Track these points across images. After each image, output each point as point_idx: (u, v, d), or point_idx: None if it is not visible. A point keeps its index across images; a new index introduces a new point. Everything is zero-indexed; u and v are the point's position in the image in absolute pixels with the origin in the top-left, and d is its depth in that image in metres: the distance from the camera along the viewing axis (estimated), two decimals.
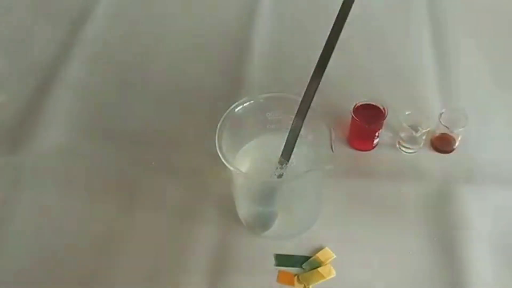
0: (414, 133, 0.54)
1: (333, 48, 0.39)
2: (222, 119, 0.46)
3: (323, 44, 0.40)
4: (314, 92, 0.42)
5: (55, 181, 0.56)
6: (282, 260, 0.49)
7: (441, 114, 0.55)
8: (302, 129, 0.45)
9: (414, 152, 0.57)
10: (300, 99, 0.43)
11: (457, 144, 0.56)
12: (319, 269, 0.48)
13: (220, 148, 0.43)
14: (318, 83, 0.41)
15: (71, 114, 0.63)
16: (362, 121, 0.54)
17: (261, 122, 0.49)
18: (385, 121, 0.55)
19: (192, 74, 0.67)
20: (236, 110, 0.47)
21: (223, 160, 0.42)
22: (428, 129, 0.54)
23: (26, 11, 0.77)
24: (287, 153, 0.45)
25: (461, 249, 0.49)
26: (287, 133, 0.45)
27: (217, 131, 0.44)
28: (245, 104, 0.47)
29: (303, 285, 0.47)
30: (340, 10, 0.38)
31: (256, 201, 0.49)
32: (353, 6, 0.38)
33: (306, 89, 0.42)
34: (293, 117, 0.44)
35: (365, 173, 0.55)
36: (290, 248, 0.50)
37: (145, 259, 0.50)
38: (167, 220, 0.52)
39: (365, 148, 0.57)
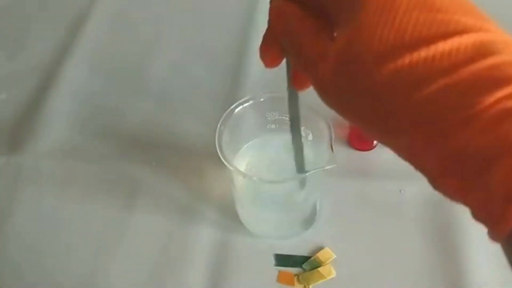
0: None
1: None
2: (222, 119, 0.46)
3: None
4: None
5: (55, 181, 0.56)
6: (282, 260, 0.49)
7: None
8: (302, 129, 0.44)
9: None
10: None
11: None
12: (319, 269, 0.48)
13: (220, 148, 0.43)
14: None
15: (71, 114, 0.63)
16: None
17: (261, 122, 0.49)
18: None
19: (192, 74, 0.67)
20: (236, 110, 0.47)
21: (223, 160, 0.42)
22: None
23: (26, 11, 0.77)
24: (300, 166, 0.43)
25: (461, 249, 0.49)
26: (287, 133, 0.45)
27: (217, 131, 0.44)
28: (245, 104, 0.47)
29: (303, 285, 0.47)
30: None
31: (256, 201, 0.49)
32: None
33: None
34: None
35: (365, 173, 0.55)
36: (290, 248, 0.50)
37: (145, 259, 0.50)
38: (167, 220, 0.52)
39: (365, 148, 0.57)
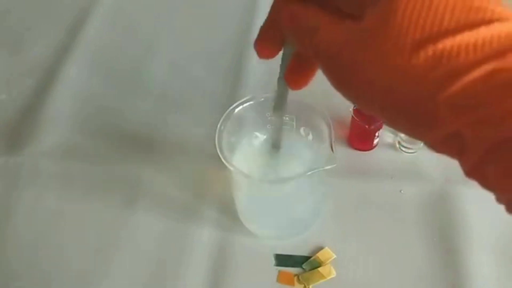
0: None
1: None
2: (222, 119, 0.46)
3: None
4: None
5: (55, 181, 0.56)
6: (282, 260, 0.49)
7: None
8: (302, 129, 0.44)
9: (414, 152, 0.57)
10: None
11: None
12: (319, 269, 0.48)
13: (220, 148, 0.43)
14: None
15: (71, 114, 0.63)
16: (362, 121, 0.54)
17: (261, 122, 0.49)
18: None
19: (192, 74, 0.67)
20: (236, 110, 0.47)
21: (223, 160, 0.42)
22: None
23: (25, 11, 0.77)
24: (276, 143, 0.43)
25: (461, 249, 0.49)
26: (288, 133, 0.45)
27: (217, 131, 0.44)
28: (245, 104, 0.47)
29: (303, 285, 0.47)
30: None
31: (256, 201, 0.49)
32: None
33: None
34: (293, 117, 0.44)
35: (365, 173, 0.55)
36: (290, 248, 0.50)
37: (145, 259, 0.50)
38: (167, 220, 0.52)
39: (365, 148, 0.57)
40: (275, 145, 0.43)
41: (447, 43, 0.20)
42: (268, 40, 0.28)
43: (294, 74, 0.30)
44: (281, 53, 0.30)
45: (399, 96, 0.21)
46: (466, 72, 0.19)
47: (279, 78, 0.33)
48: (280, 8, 0.26)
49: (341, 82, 0.23)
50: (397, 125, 0.23)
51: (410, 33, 0.20)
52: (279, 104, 0.36)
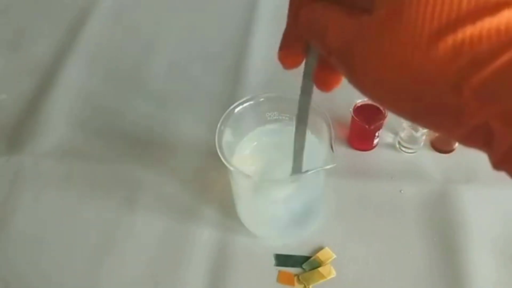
0: (414, 133, 0.54)
1: None
2: (222, 119, 0.46)
3: None
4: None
5: (55, 181, 0.56)
6: (282, 260, 0.49)
7: None
8: None
9: (414, 152, 0.57)
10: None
11: (457, 144, 0.56)
12: (319, 269, 0.48)
13: (220, 148, 0.43)
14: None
15: (71, 114, 0.63)
16: (362, 121, 0.54)
17: (261, 122, 0.49)
18: (385, 121, 0.55)
19: (192, 74, 0.67)
20: (236, 110, 0.47)
21: (223, 160, 0.42)
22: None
23: (25, 11, 0.77)
24: (297, 167, 0.41)
25: (461, 249, 0.49)
26: (287, 133, 0.45)
27: (217, 131, 0.44)
28: (245, 104, 0.47)
29: (303, 285, 0.47)
30: None
31: (256, 201, 0.49)
32: None
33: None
34: (293, 116, 0.44)
35: (365, 173, 0.55)
36: (290, 248, 0.50)
37: (145, 259, 0.50)
38: (167, 220, 0.52)
39: (365, 148, 0.57)
40: (295, 169, 0.40)
41: (468, 30, 0.18)
42: (290, 49, 0.27)
43: (323, 77, 0.29)
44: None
45: (419, 91, 0.20)
46: (490, 59, 0.18)
47: (302, 89, 0.32)
48: (297, 10, 0.25)
49: (355, 80, 0.23)
50: (420, 121, 0.22)
51: (426, 23, 0.19)
52: (302, 116, 0.35)
